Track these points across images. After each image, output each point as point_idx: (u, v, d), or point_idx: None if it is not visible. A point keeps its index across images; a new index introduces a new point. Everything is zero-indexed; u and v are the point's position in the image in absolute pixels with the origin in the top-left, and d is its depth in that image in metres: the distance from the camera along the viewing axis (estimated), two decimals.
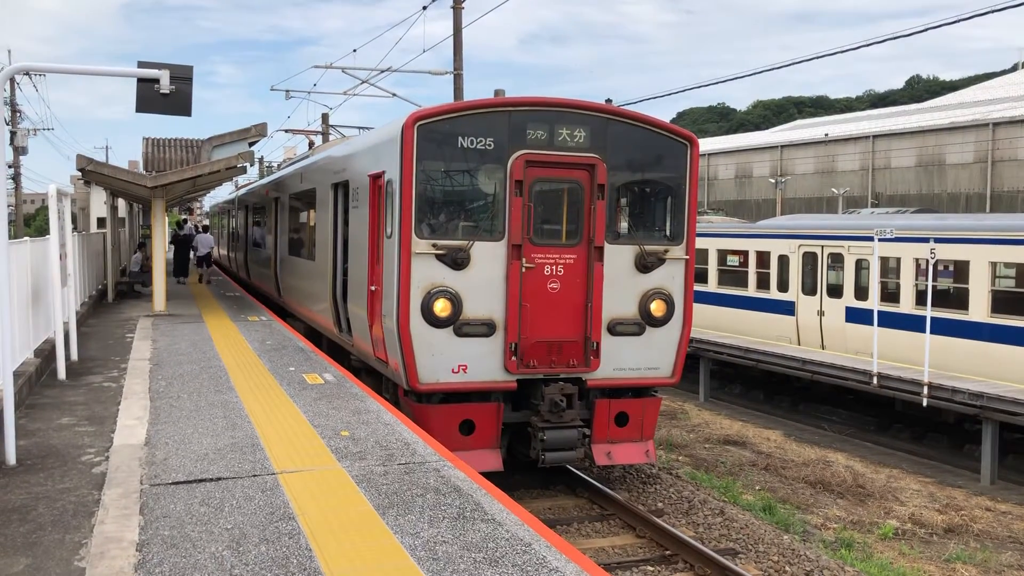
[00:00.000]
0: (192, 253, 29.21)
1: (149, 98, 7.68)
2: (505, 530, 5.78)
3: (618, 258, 11.01)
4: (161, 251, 18.85)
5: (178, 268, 28.15)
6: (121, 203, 27.67)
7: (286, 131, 33.99)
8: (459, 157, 10.48)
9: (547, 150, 10.60)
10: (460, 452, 9.65)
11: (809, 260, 19.28)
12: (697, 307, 21.02)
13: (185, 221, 50.69)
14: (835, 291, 18.60)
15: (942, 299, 16.14)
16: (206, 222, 50.99)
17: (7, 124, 44.84)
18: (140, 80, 7.71)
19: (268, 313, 18.68)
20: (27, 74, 42.64)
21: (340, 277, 13.83)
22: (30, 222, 72.11)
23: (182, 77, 7.72)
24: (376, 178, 11.46)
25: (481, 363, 10.53)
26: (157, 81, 7.65)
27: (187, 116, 7.57)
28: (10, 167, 47.17)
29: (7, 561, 5.23)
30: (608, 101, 12.14)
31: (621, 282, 11.04)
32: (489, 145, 10.44)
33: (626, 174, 11.25)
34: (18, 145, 45.91)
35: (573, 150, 10.70)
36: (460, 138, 10.37)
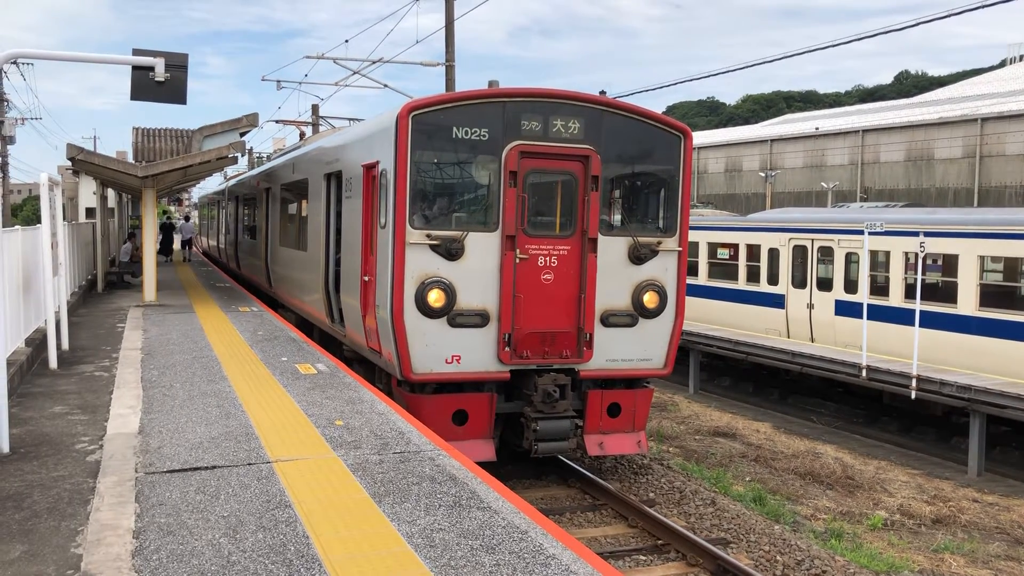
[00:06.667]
0: (178, 238, 36.53)
1: (144, 86, 7.65)
2: (501, 518, 5.81)
3: (611, 249, 11.05)
4: (152, 241, 18.75)
5: (163, 249, 33.52)
6: (110, 193, 27.56)
7: (277, 122, 33.91)
8: (453, 147, 10.47)
9: (541, 141, 10.61)
10: (453, 442, 9.68)
11: (799, 253, 19.36)
12: (687, 300, 21.15)
13: (167, 215, 54.16)
14: (825, 284, 18.69)
15: (931, 293, 16.25)
16: (189, 212, 54.24)
17: None
18: (135, 68, 7.67)
19: (259, 304, 18.63)
20: (15, 63, 42.27)
21: (332, 268, 13.81)
22: (17, 212, 71.63)
23: (177, 65, 7.69)
24: (370, 168, 11.45)
25: (474, 353, 10.55)
26: (152, 69, 7.61)
27: (182, 104, 7.54)
28: None
29: (3, 548, 5.23)
30: (602, 93, 12.13)
31: (614, 273, 11.07)
32: (483, 136, 10.44)
33: (620, 166, 11.27)
34: (6, 134, 45.56)
35: (567, 141, 10.71)
36: (455, 128, 10.36)
